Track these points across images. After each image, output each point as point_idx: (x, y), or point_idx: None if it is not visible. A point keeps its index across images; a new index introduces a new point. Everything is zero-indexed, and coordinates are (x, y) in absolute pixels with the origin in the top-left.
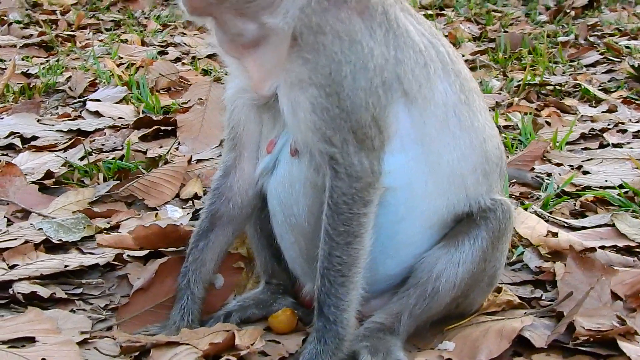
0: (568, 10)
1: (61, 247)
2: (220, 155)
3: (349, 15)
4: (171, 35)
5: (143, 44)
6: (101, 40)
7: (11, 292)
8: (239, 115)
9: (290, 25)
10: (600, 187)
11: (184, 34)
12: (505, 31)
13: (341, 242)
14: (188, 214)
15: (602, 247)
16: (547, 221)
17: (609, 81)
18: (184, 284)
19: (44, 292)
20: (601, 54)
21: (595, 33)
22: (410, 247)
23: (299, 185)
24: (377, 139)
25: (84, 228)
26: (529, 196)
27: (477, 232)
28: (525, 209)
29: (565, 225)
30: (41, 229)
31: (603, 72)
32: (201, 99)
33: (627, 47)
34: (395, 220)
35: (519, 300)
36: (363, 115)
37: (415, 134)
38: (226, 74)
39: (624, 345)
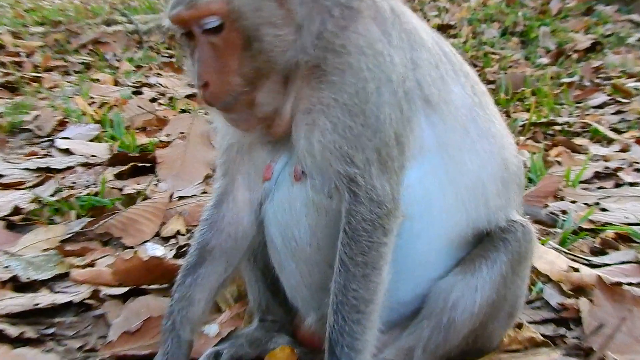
0: (570, 53)
1: (30, 286)
2: (205, 192)
3: (366, 25)
4: (146, 76)
5: (116, 84)
6: (70, 82)
7: None
8: (232, 138)
9: (311, 58)
10: (621, 224)
11: (160, 74)
12: (504, 73)
13: (358, 274)
14: (171, 250)
15: (629, 284)
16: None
17: (619, 122)
18: (169, 326)
19: (12, 330)
20: (608, 95)
21: (601, 75)
22: (425, 270)
23: (300, 205)
24: (397, 160)
25: (56, 265)
26: (545, 233)
27: (495, 255)
28: (543, 244)
29: (586, 262)
30: (8, 266)
31: (612, 113)
32: (183, 132)
33: (637, 89)
34: (410, 238)
35: (543, 338)
36: (387, 132)
37: (435, 143)
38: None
39: None
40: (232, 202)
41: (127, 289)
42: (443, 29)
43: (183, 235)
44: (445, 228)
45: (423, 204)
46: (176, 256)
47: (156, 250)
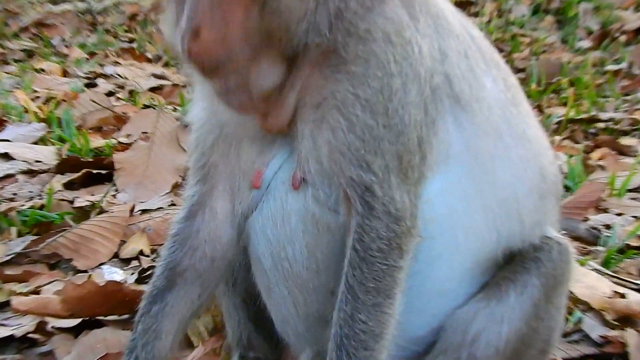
0: (616, 35)
1: None
2: (173, 204)
3: (393, 8)
4: (101, 65)
5: (65, 74)
6: (9, 73)
7: None
8: (213, 132)
9: (325, 41)
10: None
11: (118, 63)
12: (536, 59)
13: (369, 303)
14: (132, 274)
15: None
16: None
17: None
18: None
19: None
20: None
21: None
22: (444, 300)
23: (296, 220)
24: (418, 170)
25: None
26: (585, 252)
27: (526, 278)
28: (582, 265)
29: (635, 286)
30: None
31: None
32: (146, 132)
33: None
34: (428, 262)
35: None
36: (411, 136)
37: (462, 149)
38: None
39: None
40: (209, 213)
41: (79, 320)
42: (461, 6)
43: (147, 256)
44: (470, 250)
45: (445, 221)
46: (138, 281)
47: (114, 274)
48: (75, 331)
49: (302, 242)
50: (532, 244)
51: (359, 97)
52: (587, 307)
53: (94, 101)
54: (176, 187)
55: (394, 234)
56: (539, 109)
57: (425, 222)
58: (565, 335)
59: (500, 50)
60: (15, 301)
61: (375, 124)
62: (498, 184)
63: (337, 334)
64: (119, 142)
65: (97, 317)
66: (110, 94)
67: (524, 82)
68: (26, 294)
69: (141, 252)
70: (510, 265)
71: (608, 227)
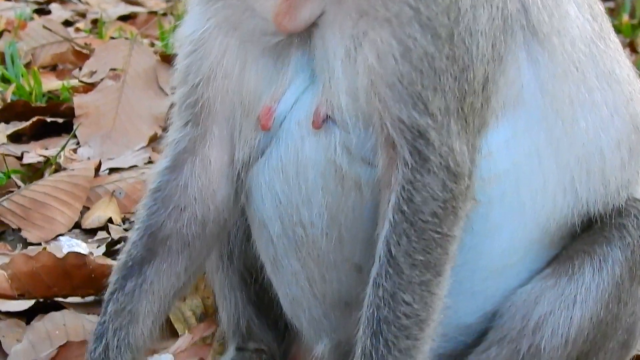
0: None
1: None
2: (150, 162)
3: None
4: None
5: None
6: None
7: None
8: (212, 63)
9: None
10: None
11: None
12: None
13: (415, 280)
14: (99, 247)
15: None
16: None
17: None
18: (99, 355)
19: None
20: None
21: None
22: (500, 277)
23: (315, 174)
24: (480, 115)
25: None
26: None
27: (606, 250)
28: None
29: None
30: None
31: None
32: (115, 69)
33: None
34: (484, 231)
35: None
36: (477, 72)
37: (536, 92)
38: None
39: None
40: (200, 164)
41: (31, 302)
42: None
43: (118, 225)
44: (538, 216)
45: (508, 181)
46: (107, 255)
47: (75, 247)
48: (27, 315)
49: (321, 202)
50: (616, 209)
51: (419, 12)
52: None
53: (47, 28)
54: (154, 140)
55: (451, 195)
56: (632, 47)
57: (483, 181)
58: None
59: None
60: None
61: (437, 52)
62: (578, 136)
63: (373, 318)
64: (81, 82)
65: (55, 299)
66: (67, 23)
67: (612, 13)
68: None
69: (110, 221)
70: (587, 234)
71: None
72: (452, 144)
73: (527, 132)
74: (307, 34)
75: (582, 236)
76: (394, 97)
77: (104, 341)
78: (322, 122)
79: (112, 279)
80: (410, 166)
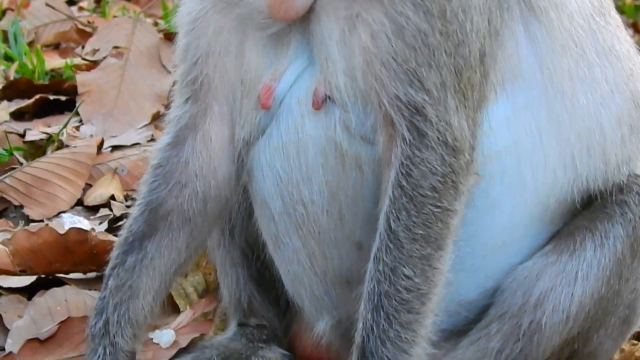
0: None
1: None
2: (153, 140)
3: None
4: None
5: None
6: None
7: None
8: (206, 41)
9: None
10: None
11: None
12: None
13: (415, 254)
14: (101, 224)
15: None
16: None
17: None
18: (99, 330)
19: None
20: None
21: None
22: (501, 253)
23: (316, 151)
24: (479, 90)
25: None
26: None
27: (607, 227)
28: None
29: None
30: None
31: None
32: (118, 47)
33: None
34: (486, 207)
35: None
36: (472, 47)
37: (535, 67)
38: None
39: None
40: (202, 140)
41: (33, 278)
42: None
43: (120, 202)
44: (539, 192)
45: (509, 156)
46: (109, 231)
47: (77, 224)
48: (29, 291)
49: (321, 180)
50: (617, 185)
51: None
52: None
53: (49, 5)
54: (157, 118)
55: (450, 169)
56: (635, 28)
57: (484, 157)
58: None
59: None
60: None
61: (429, 29)
62: (578, 111)
63: (374, 292)
64: (83, 60)
65: (56, 275)
66: (70, 2)
67: None
68: None
69: (112, 198)
70: (588, 211)
71: None
72: (449, 119)
73: (528, 108)
74: (305, 16)
75: (583, 213)
76: (390, 75)
77: (104, 316)
78: (322, 102)
79: (113, 254)
80: (408, 142)
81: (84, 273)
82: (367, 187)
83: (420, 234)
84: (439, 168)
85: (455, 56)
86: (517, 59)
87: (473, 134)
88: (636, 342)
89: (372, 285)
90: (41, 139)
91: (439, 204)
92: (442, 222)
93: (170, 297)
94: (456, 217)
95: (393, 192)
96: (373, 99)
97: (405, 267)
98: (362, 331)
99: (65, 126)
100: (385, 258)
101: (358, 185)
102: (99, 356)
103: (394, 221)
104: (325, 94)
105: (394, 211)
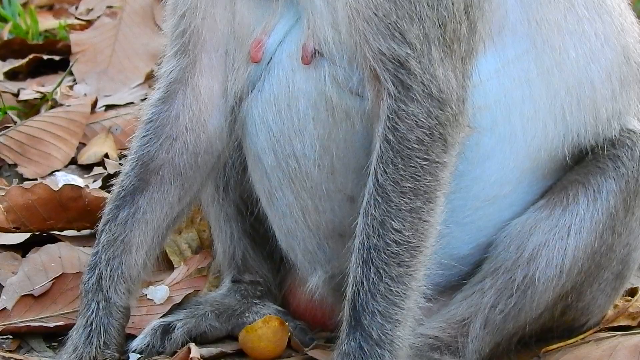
0: None
1: None
2: (146, 99)
3: None
4: None
5: None
6: None
7: None
8: None
9: None
10: None
11: None
12: None
13: (404, 207)
14: (95, 182)
15: None
16: None
17: None
18: (93, 285)
19: None
20: None
21: None
22: (493, 207)
23: (307, 105)
24: (466, 42)
25: None
26: None
27: (600, 181)
28: None
29: None
30: None
31: None
32: (111, 6)
33: None
34: (477, 159)
35: None
36: None
37: (523, 19)
38: None
39: None
40: (191, 94)
41: (27, 234)
42: None
43: (114, 161)
44: (529, 146)
45: (499, 109)
46: (103, 188)
47: (71, 182)
48: (23, 248)
49: (313, 133)
50: (609, 140)
51: None
52: None
53: None
54: (150, 77)
55: (437, 122)
56: None
57: (475, 110)
58: None
59: None
60: None
61: None
62: (567, 65)
63: (363, 246)
64: (77, 19)
65: (51, 231)
66: None
67: None
68: None
69: (106, 157)
70: (580, 165)
71: None
72: (434, 72)
73: (517, 60)
74: None
75: (575, 168)
76: (372, 30)
77: (97, 271)
78: (311, 57)
79: (105, 209)
80: (394, 96)
81: (78, 230)
82: (358, 141)
83: (409, 187)
84: (424, 121)
85: (438, 7)
86: (504, 10)
87: (461, 86)
88: (629, 298)
89: (361, 239)
90: (35, 98)
91: (426, 156)
92: (430, 174)
93: (164, 254)
94: (446, 169)
95: (380, 146)
96: (359, 54)
97: (394, 221)
98: (353, 285)
99: (59, 85)
100: (374, 212)
101: (349, 138)
102: (92, 311)
103: (381, 175)
104: (314, 49)
105: (381, 165)
